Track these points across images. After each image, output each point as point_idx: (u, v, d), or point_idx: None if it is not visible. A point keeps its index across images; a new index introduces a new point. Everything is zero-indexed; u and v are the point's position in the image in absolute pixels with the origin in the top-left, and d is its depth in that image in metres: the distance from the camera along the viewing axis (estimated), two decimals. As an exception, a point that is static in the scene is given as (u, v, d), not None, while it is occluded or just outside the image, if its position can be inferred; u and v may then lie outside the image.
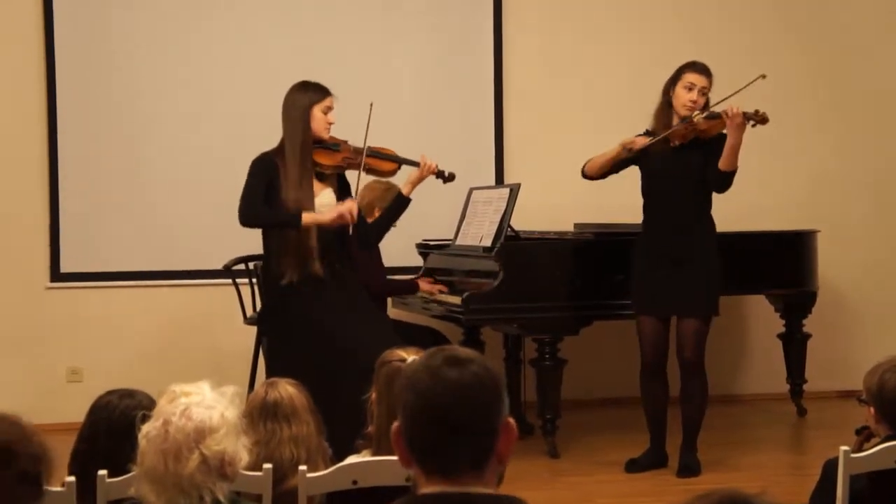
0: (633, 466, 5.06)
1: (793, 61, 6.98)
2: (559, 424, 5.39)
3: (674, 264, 4.90)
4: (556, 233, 5.91)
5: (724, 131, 4.81)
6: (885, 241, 7.06)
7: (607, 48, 6.83)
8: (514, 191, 5.39)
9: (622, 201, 5.38)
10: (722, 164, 4.81)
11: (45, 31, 6.22)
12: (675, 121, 4.94)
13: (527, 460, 5.16)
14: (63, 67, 6.23)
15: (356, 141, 4.76)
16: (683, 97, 4.90)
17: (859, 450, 2.99)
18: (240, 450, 2.21)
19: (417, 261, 6.17)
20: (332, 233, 4.71)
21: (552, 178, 6.42)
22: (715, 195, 5.01)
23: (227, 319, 6.04)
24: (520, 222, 5.61)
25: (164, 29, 6.36)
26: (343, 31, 6.53)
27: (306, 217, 4.58)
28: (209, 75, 6.40)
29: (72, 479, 2.48)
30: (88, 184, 6.28)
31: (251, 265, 5.57)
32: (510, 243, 5.36)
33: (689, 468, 4.95)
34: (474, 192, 5.85)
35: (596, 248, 5.51)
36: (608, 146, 5.03)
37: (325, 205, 4.72)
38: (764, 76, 4.77)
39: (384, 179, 5.21)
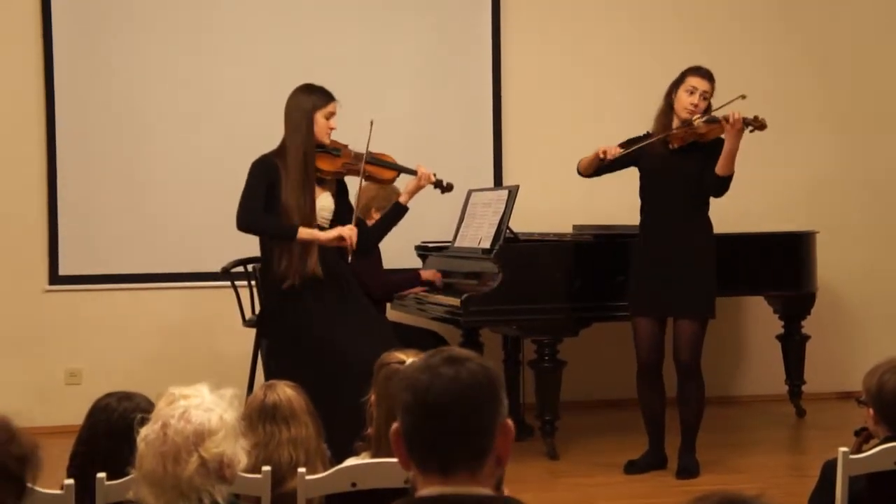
0: (632, 468, 5.06)
1: (793, 63, 6.99)
2: (558, 426, 5.39)
3: (670, 266, 4.90)
4: (554, 234, 5.91)
5: (722, 136, 4.82)
6: (884, 242, 7.07)
7: (606, 51, 6.84)
8: (513, 193, 5.39)
9: (621, 203, 5.39)
10: (719, 168, 4.82)
11: (43, 32, 6.22)
12: (676, 124, 4.94)
13: (526, 462, 5.16)
14: (62, 69, 6.23)
15: (357, 144, 4.76)
16: (685, 100, 4.90)
17: (858, 451, 2.99)
18: (238, 452, 2.20)
19: (416, 262, 6.17)
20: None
21: (551, 179, 6.43)
22: (716, 199, 5.01)
23: (225, 322, 6.04)
24: (519, 224, 5.61)
25: (163, 30, 6.36)
26: (342, 34, 6.53)
27: (303, 232, 4.58)
28: (208, 77, 6.40)
29: (70, 481, 2.48)
30: (87, 186, 6.27)
31: (250, 268, 5.57)
32: (509, 245, 5.36)
33: (688, 470, 4.95)
34: (473, 193, 5.85)
35: (595, 249, 5.51)
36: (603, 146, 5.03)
37: (323, 208, 4.73)
38: (744, 96, 4.75)
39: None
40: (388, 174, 4.93)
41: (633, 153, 4.97)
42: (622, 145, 4.99)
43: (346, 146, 4.80)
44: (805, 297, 6.19)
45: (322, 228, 4.69)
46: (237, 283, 5.67)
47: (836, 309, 6.93)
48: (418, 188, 4.90)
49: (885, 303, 7.02)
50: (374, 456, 2.82)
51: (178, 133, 6.36)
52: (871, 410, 2.98)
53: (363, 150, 4.76)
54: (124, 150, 6.32)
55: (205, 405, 2.18)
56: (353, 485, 2.64)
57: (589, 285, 5.36)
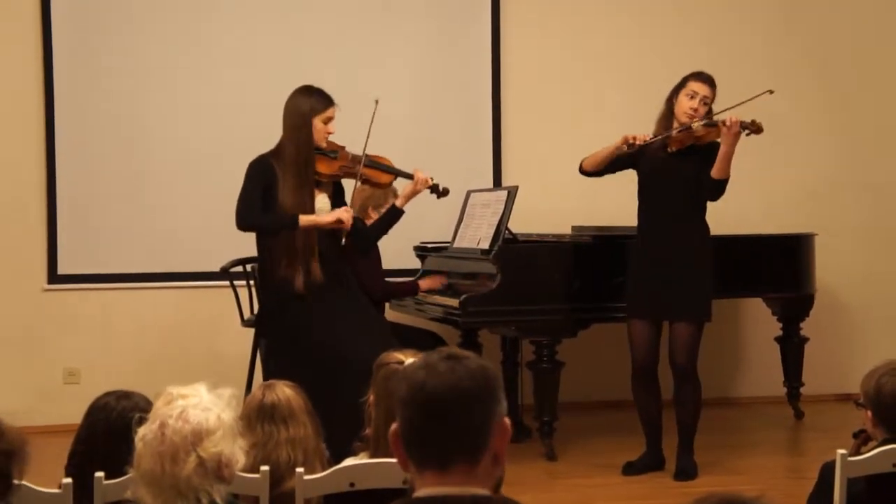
0: (630, 469, 5.07)
1: (793, 64, 6.99)
2: (556, 427, 5.39)
3: (667, 268, 4.91)
4: (553, 235, 5.91)
5: (718, 140, 4.83)
6: (883, 244, 7.07)
7: (606, 51, 6.84)
8: (512, 193, 5.39)
9: (620, 204, 5.39)
10: (715, 172, 4.82)
11: (42, 33, 6.21)
12: (676, 127, 4.94)
13: (524, 463, 5.16)
14: (61, 69, 6.23)
15: (356, 141, 4.75)
16: (685, 105, 4.91)
17: (856, 453, 2.99)
18: (237, 452, 2.20)
19: (415, 263, 6.17)
20: (330, 236, 4.71)
21: (550, 180, 6.43)
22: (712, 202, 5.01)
23: (224, 321, 6.04)
24: (518, 225, 5.61)
25: (162, 32, 6.36)
26: (342, 34, 6.52)
27: (303, 219, 4.58)
28: (207, 78, 6.39)
29: (69, 480, 2.48)
30: (86, 186, 6.27)
31: (248, 267, 5.57)
32: (508, 246, 5.36)
33: (686, 471, 4.96)
34: (472, 194, 5.86)
35: (594, 250, 5.51)
36: (611, 145, 5.03)
37: (320, 210, 4.73)
38: (772, 91, 4.76)
39: None
40: (384, 178, 4.94)
41: (635, 153, 4.96)
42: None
43: (343, 148, 4.79)
44: (804, 299, 6.20)
45: (322, 229, 4.68)
46: (236, 282, 5.67)
47: (834, 311, 6.93)
48: (415, 192, 4.91)
49: (883, 305, 7.03)
50: (372, 456, 2.82)
51: (177, 133, 6.36)
52: (870, 413, 2.98)
53: (360, 153, 4.75)
54: (123, 149, 6.32)
55: (203, 405, 2.18)
56: (352, 485, 2.64)
57: (588, 286, 5.36)
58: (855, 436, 3.16)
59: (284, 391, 2.94)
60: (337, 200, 4.84)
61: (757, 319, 6.78)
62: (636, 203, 5.10)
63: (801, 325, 6.34)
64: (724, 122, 4.76)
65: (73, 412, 2.93)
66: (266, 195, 4.64)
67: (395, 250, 5.92)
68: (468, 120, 6.69)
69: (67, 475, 2.54)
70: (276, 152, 4.69)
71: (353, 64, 6.47)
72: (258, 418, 2.88)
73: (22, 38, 6.22)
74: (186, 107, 6.37)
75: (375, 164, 4.86)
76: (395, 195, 5.13)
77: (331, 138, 4.75)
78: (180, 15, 6.38)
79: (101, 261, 6.30)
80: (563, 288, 5.32)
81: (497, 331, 5.81)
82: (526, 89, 6.74)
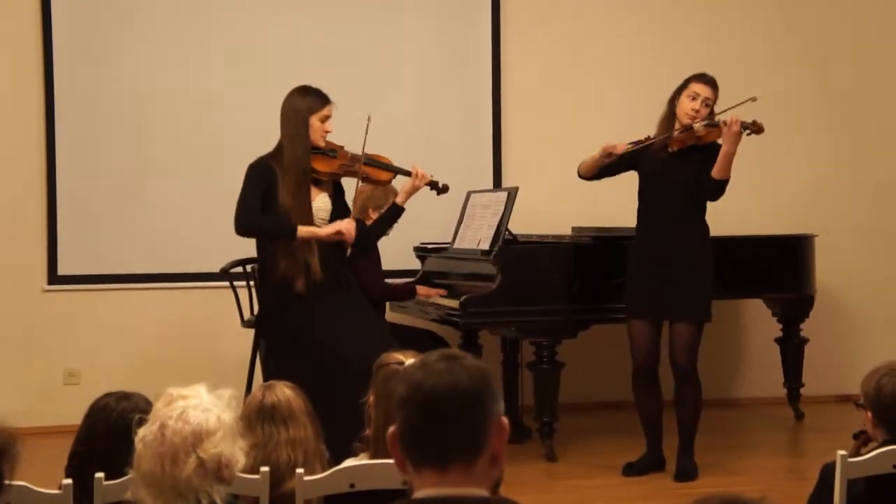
0: (630, 470, 5.06)
1: (793, 64, 6.99)
2: (557, 428, 5.39)
3: (667, 269, 4.91)
4: (553, 236, 5.91)
5: (719, 141, 4.83)
6: (883, 245, 7.07)
7: (606, 51, 6.84)
8: (512, 194, 5.39)
9: (620, 205, 5.39)
10: (715, 172, 4.83)
11: (43, 34, 6.21)
12: (678, 128, 4.95)
13: (524, 464, 5.16)
14: (61, 70, 6.23)
15: (356, 141, 4.76)
16: (686, 106, 4.92)
17: (856, 454, 2.99)
18: (237, 453, 2.20)
19: (415, 264, 6.17)
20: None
21: (550, 181, 6.43)
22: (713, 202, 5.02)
23: (224, 322, 6.03)
24: (518, 226, 5.61)
25: (162, 32, 6.35)
26: (342, 36, 6.52)
27: (302, 230, 4.59)
28: (208, 78, 6.39)
29: (69, 481, 2.48)
30: (86, 186, 6.27)
31: (248, 268, 5.57)
32: (508, 247, 5.36)
33: (686, 472, 4.95)
34: (472, 195, 5.86)
35: (594, 251, 5.51)
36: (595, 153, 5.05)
37: (320, 209, 4.73)
38: (755, 99, 4.78)
39: None
40: (384, 175, 4.94)
41: (635, 154, 4.97)
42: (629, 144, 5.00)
43: (342, 147, 4.80)
44: (804, 300, 6.20)
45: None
46: (236, 283, 5.67)
47: (834, 312, 6.93)
48: (415, 189, 4.91)
49: (883, 306, 7.03)
50: (372, 457, 2.82)
51: (178, 133, 6.35)
52: (870, 414, 2.98)
53: (359, 152, 4.76)
54: (123, 150, 6.31)
55: (203, 406, 2.18)
56: (352, 486, 2.64)
57: (588, 287, 5.36)
58: (855, 437, 3.16)
59: (284, 392, 2.94)
60: (337, 199, 4.85)
61: (757, 320, 6.78)
62: (636, 204, 5.10)
63: (801, 325, 6.34)
64: (724, 122, 4.77)
65: (73, 413, 2.93)
66: (266, 196, 4.64)
67: (396, 251, 5.92)
68: (468, 120, 6.69)
69: (67, 476, 2.54)
70: (275, 154, 4.70)
71: (355, 63, 6.47)
72: (258, 419, 2.88)
73: (22, 37, 6.22)
74: (187, 107, 6.36)
75: (375, 162, 4.86)
76: (395, 195, 5.13)
77: (330, 137, 4.75)
78: (181, 14, 6.37)
79: (101, 261, 6.30)
80: (564, 289, 5.32)
81: (497, 332, 5.81)
82: (526, 89, 6.74)
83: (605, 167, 5.04)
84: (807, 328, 6.35)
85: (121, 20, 6.31)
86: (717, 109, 4.91)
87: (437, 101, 6.65)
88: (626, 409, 5.68)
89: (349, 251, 4.73)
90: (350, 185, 4.98)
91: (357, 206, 5.21)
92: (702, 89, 4.91)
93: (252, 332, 5.50)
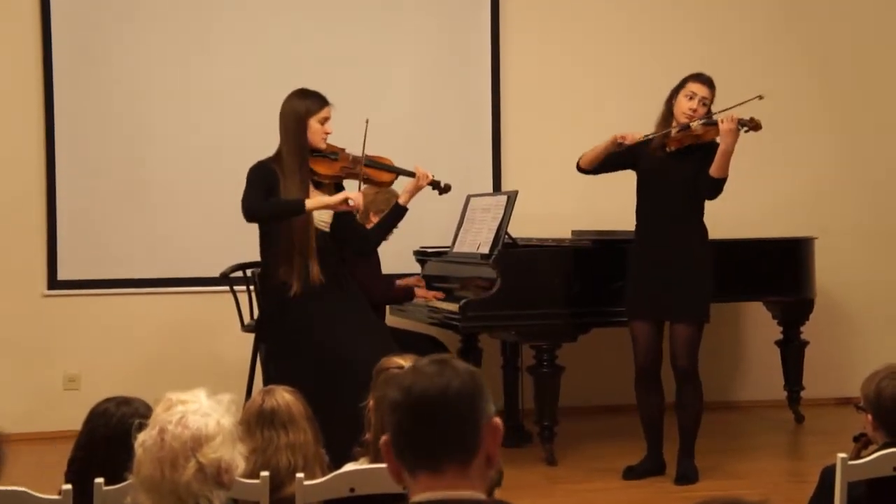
0: (630, 474, 5.06)
1: (792, 65, 7.00)
2: (557, 432, 5.38)
3: (666, 269, 4.91)
4: (553, 240, 5.91)
5: (717, 139, 4.84)
6: (883, 248, 7.07)
7: (606, 53, 6.84)
8: (512, 198, 5.40)
9: (620, 208, 5.39)
10: (713, 170, 4.83)
11: (42, 37, 6.21)
12: (675, 127, 4.95)
13: (524, 468, 5.16)
14: (61, 73, 6.23)
15: (355, 141, 4.75)
16: (684, 105, 4.92)
17: (857, 457, 2.99)
18: (236, 457, 2.20)
19: (415, 268, 6.17)
20: (331, 238, 4.71)
21: (550, 185, 6.43)
22: (710, 202, 5.02)
23: (224, 327, 6.03)
24: (517, 229, 5.61)
25: (162, 35, 6.36)
26: (342, 38, 6.53)
27: (310, 203, 4.57)
28: (208, 81, 6.40)
29: (68, 486, 2.48)
30: (86, 191, 6.27)
31: (249, 272, 5.57)
32: (508, 250, 5.36)
33: (687, 476, 4.95)
34: (472, 199, 5.86)
35: (593, 255, 5.51)
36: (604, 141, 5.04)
37: (321, 212, 4.72)
38: (761, 97, 4.79)
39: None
40: (386, 177, 4.94)
41: (635, 151, 4.97)
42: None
43: (343, 150, 4.80)
44: (804, 303, 6.20)
45: (322, 232, 4.68)
46: (236, 287, 5.67)
47: (834, 314, 6.93)
48: (417, 188, 4.90)
49: (883, 308, 7.03)
50: (372, 461, 2.81)
51: (178, 137, 6.36)
52: (870, 416, 2.98)
53: (360, 153, 4.76)
54: (123, 154, 6.32)
55: (202, 410, 2.18)
56: (352, 490, 2.64)
57: (588, 291, 5.36)
58: (855, 439, 3.16)
59: (284, 396, 2.94)
60: (338, 204, 4.85)
61: (757, 323, 6.78)
62: (635, 204, 5.10)
63: (802, 328, 6.34)
64: (721, 119, 4.78)
65: (73, 418, 2.93)
66: (268, 197, 4.63)
67: (395, 254, 5.92)
68: (468, 123, 6.69)
69: (67, 481, 2.54)
70: (276, 157, 4.70)
71: (354, 65, 6.47)
72: (258, 424, 2.88)
73: (21, 39, 6.21)
74: (187, 111, 6.37)
75: (376, 163, 4.86)
76: (397, 198, 5.13)
77: (330, 139, 4.75)
78: (180, 17, 6.37)
79: (101, 266, 6.30)
80: (563, 292, 5.32)
81: (497, 335, 5.81)
82: (526, 91, 6.74)
83: (609, 157, 5.02)
84: (807, 331, 6.36)
85: (121, 24, 6.31)
86: (719, 108, 4.91)
87: (436, 103, 6.65)
88: (626, 412, 5.68)
89: (357, 215, 4.69)
90: (350, 187, 4.97)
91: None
92: (699, 89, 4.92)
93: (252, 336, 5.50)
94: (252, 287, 5.58)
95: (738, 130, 4.77)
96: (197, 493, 2.12)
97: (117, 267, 6.31)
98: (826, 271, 6.38)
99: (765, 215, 6.76)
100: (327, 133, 4.72)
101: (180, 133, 6.36)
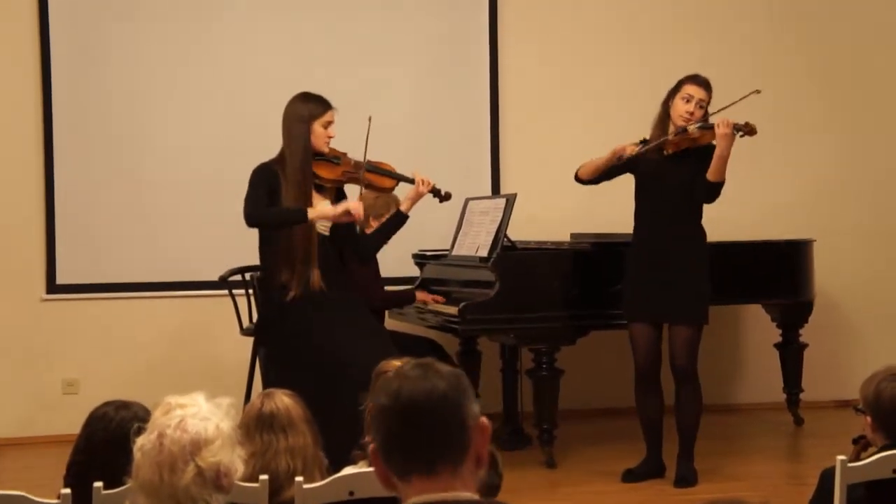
0: (629, 476, 5.06)
1: (791, 68, 7.00)
2: (556, 435, 5.38)
3: (664, 272, 4.91)
4: (552, 243, 5.91)
5: (714, 142, 4.84)
6: (882, 250, 7.07)
7: (604, 59, 6.84)
8: (511, 201, 5.40)
9: (619, 211, 5.39)
10: (710, 174, 4.84)
11: (40, 40, 6.21)
12: (672, 131, 4.96)
13: (524, 471, 5.16)
14: (60, 76, 6.23)
15: (355, 152, 4.76)
16: (680, 108, 4.92)
17: (856, 459, 2.99)
18: (235, 461, 2.20)
19: (414, 271, 6.17)
20: (331, 243, 4.71)
21: (548, 188, 6.43)
22: (708, 205, 5.03)
23: (223, 330, 6.03)
24: (516, 232, 5.61)
25: (161, 38, 6.36)
26: (340, 41, 6.53)
27: (312, 212, 4.58)
28: (207, 84, 6.40)
29: (67, 490, 2.48)
30: (85, 195, 6.27)
31: (248, 276, 5.57)
32: (507, 253, 5.36)
33: (686, 478, 4.95)
34: (470, 202, 5.86)
35: (593, 257, 5.51)
36: (604, 155, 5.04)
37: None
38: (758, 91, 4.79)
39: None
40: (387, 183, 4.94)
41: (632, 158, 4.98)
42: (637, 144, 5.01)
43: (345, 154, 4.80)
44: (802, 305, 6.20)
45: (322, 236, 4.69)
46: (235, 291, 5.66)
47: (833, 317, 6.93)
48: (419, 196, 4.90)
49: (882, 310, 7.03)
50: (371, 465, 2.81)
51: (177, 141, 6.35)
52: (869, 418, 2.98)
53: (362, 158, 4.76)
54: (122, 158, 6.31)
55: (201, 414, 2.18)
56: (351, 493, 2.63)
57: (587, 293, 5.36)
58: (854, 441, 3.16)
59: (283, 400, 2.94)
60: (339, 206, 4.85)
61: (756, 326, 6.78)
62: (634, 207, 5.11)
63: (801, 331, 6.34)
64: (716, 123, 4.78)
65: (72, 422, 2.93)
66: (270, 198, 4.64)
67: (394, 258, 5.92)
68: (467, 126, 6.69)
69: (66, 485, 2.54)
70: (278, 160, 4.71)
71: (353, 68, 6.47)
72: (257, 427, 2.87)
73: (20, 41, 6.21)
74: (186, 114, 6.36)
75: (378, 169, 4.87)
76: (397, 203, 5.13)
77: (332, 143, 4.76)
78: (180, 18, 6.37)
79: (100, 270, 6.29)
80: (562, 295, 5.32)
81: (496, 338, 5.80)
82: (524, 95, 6.74)
83: (612, 170, 5.04)
84: (806, 333, 6.35)
85: (120, 27, 6.30)
86: (716, 108, 4.91)
87: (435, 105, 6.65)
88: (625, 415, 5.68)
89: (358, 229, 4.69)
90: (351, 192, 4.98)
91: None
92: (695, 91, 4.92)
93: (251, 340, 5.50)
94: (251, 291, 5.58)
95: (734, 135, 4.77)
96: (196, 496, 2.12)
97: (116, 271, 6.30)
98: (825, 273, 6.38)
99: (764, 217, 6.77)
100: (330, 137, 4.72)
101: (179, 135, 6.35)
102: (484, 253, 5.35)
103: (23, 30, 6.21)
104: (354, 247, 4.93)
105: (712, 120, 4.89)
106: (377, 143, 4.76)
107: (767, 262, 5.94)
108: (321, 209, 4.63)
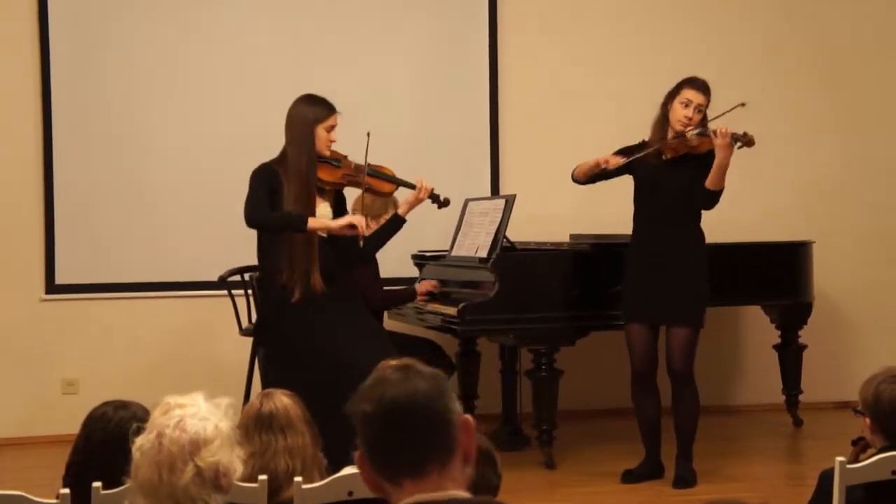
0: (629, 477, 5.06)
1: (793, 69, 7.00)
2: (555, 435, 5.38)
3: (663, 274, 4.92)
4: (552, 243, 5.91)
5: (713, 149, 4.84)
6: (881, 251, 7.07)
7: (605, 59, 6.84)
8: (510, 202, 5.40)
9: (618, 212, 5.39)
10: (709, 182, 4.84)
11: (40, 41, 6.21)
12: (671, 134, 4.96)
13: (523, 471, 5.16)
14: (59, 77, 6.23)
15: (354, 154, 4.76)
16: (679, 113, 4.92)
17: (855, 461, 2.99)
18: (234, 461, 2.20)
19: (414, 272, 6.17)
20: (331, 245, 4.71)
21: (548, 188, 6.43)
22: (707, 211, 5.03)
23: (222, 331, 6.03)
24: (516, 233, 5.61)
25: (161, 39, 6.36)
26: (340, 42, 6.53)
27: (312, 221, 4.58)
28: (207, 86, 6.40)
29: (66, 490, 2.48)
30: (84, 195, 6.27)
31: (247, 276, 5.57)
32: (506, 254, 5.36)
33: (685, 479, 4.95)
34: (470, 203, 5.86)
35: (592, 258, 5.51)
36: (603, 156, 5.05)
37: (322, 217, 4.72)
38: (743, 104, 4.78)
39: None
40: (387, 187, 4.95)
41: (630, 162, 4.99)
42: (620, 153, 5.01)
43: (345, 157, 4.80)
44: (802, 307, 6.20)
45: (321, 238, 4.69)
46: (234, 291, 5.66)
47: (832, 318, 6.93)
48: (418, 201, 4.90)
49: (882, 312, 7.03)
50: (370, 465, 2.81)
51: (177, 141, 6.35)
52: (868, 420, 2.98)
53: (363, 162, 4.76)
54: (122, 158, 6.31)
55: (200, 414, 2.18)
56: (350, 494, 2.63)
57: (586, 294, 5.36)
58: (854, 443, 3.16)
59: (282, 400, 2.94)
60: (339, 209, 4.85)
61: (755, 327, 6.78)
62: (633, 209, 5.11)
63: (800, 332, 6.34)
64: (714, 132, 4.77)
65: (71, 422, 2.93)
66: (271, 198, 4.63)
67: (394, 259, 5.92)
68: (466, 128, 6.69)
69: (65, 485, 2.54)
70: (280, 160, 4.70)
71: (353, 70, 6.47)
72: (256, 427, 2.87)
73: (20, 44, 6.21)
74: (186, 114, 6.36)
75: (378, 173, 4.87)
76: (395, 206, 5.14)
77: (333, 146, 4.76)
78: (179, 21, 6.37)
79: (99, 270, 6.29)
80: (562, 296, 5.32)
81: (495, 339, 5.81)
82: (524, 97, 6.73)
83: (610, 172, 5.05)
84: (805, 335, 6.35)
85: (119, 28, 6.30)
86: (710, 113, 4.91)
87: (434, 106, 6.65)
88: (624, 416, 5.68)
89: (361, 243, 4.70)
90: (351, 195, 4.98)
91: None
92: (694, 96, 4.91)
93: (250, 340, 5.50)
94: (250, 291, 5.58)
95: (733, 146, 4.77)
96: (195, 496, 2.12)
97: (115, 271, 6.30)
98: (824, 275, 6.38)
99: (763, 218, 6.77)
100: (332, 141, 4.72)
101: (179, 135, 6.35)
102: (483, 253, 5.35)
103: (23, 30, 6.21)
104: (352, 249, 4.93)
105: (711, 125, 4.89)
106: (376, 144, 4.76)
107: (767, 263, 5.94)
108: (323, 221, 4.63)
